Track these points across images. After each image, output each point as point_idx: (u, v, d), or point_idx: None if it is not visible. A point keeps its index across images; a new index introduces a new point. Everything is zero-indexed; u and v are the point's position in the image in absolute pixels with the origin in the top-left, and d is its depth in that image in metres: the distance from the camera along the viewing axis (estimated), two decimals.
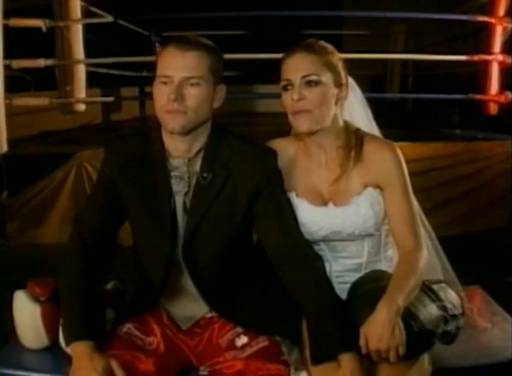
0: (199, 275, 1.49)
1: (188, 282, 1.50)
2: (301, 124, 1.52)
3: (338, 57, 1.56)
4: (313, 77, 1.50)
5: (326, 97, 1.51)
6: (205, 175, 1.46)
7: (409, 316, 1.36)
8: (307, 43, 1.54)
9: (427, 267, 1.55)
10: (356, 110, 1.68)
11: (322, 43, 1.56)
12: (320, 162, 1.58)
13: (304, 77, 1.50)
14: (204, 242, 1.48)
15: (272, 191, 1.50)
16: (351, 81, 1.64)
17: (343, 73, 1.56)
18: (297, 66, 1.51)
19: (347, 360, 1.34)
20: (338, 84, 1.54)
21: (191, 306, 1.54)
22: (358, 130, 1.59)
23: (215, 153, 1.48)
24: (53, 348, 1.60)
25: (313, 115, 1.51)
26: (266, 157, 1.52)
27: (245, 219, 1.50)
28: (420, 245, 1.51)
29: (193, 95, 1.42)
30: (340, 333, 1.37)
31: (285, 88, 1.52)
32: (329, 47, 1.56)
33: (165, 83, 1.42)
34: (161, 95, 1.43)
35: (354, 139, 1.56)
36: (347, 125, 1.59)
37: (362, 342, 1.34)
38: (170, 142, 1.48)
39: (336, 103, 1.55)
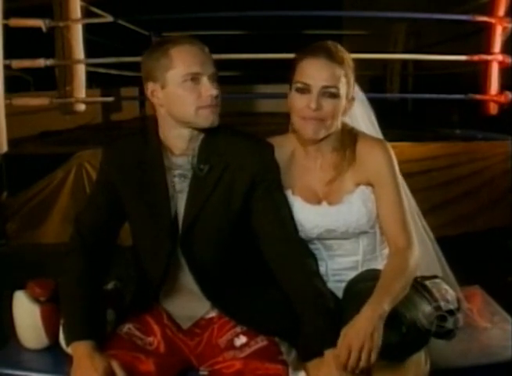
0: (198, 270, 1.49)
1: (188, 280, 1.51)
2: (309, 131, 1.52)
3: (353, 69, 1.55)
4: (333, 90, 1.49)
5: (339, 110, 1.52)
6: (202, 166, 1.47)
7: (398, 318, 1.35)
8: (329, 48, 1.51)
9: (425, 267, 1.55)
10: (357, 113, 1.68)
11: (343, 51, 1.54)
12: (316, 163, 1.59)
13: (325, 87, 1.49)
14: (202, 235, 1.48)
15: (268, 185, 1.50)
16: None
17: (353, 85, 1.56)
18: (319, 74, 1.49)
19: (332, 355, 1.33)
20: (349, 97, 1.54)
21: (191, 305, 1.54)
22: (352, 129, 1.60)
23: (212, 145, 1.49)
24: (53, 348, 1.61)
25: (324, 125, 1.51)
26: (263, 149, 1.53)
27: (242, 212, 1.50)
28: (411, 243, 1.50)
29: (218, 88, 1.46)
30: (328, 329, 1.36)
31: (300, 90, 1.51)
32: (348, 57, 1.54)
33: (192, 80, 1.43)
34: (192, 92, 1.44)
35: (348, 139, 1.57)
36: (343, 126, 1.59)
37: (340, 342, 1.32)
38: (176, 140, 1.49)
39: (343, 114, 1.56)
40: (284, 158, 1.58)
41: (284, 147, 1.60)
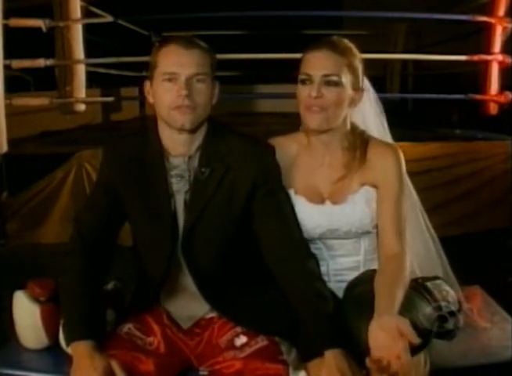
0: (198, 272, 1.49)
1: (188, 281, 1.51)
2: (313, 121, 1.53)
3: (360, 60, 1.56)
4: (334, 78, 1.50)
5: (342, 98, 1.52)
6: (203, 170, 1.47)
7: None
8: (333, 41, 1.54)
9: (427, 267, 1.55)
10: (368, 111, 1.68)
11: (348, 43, 1.56)
12: (324, 161, 1.59)
13: (326, 76, 1.50)
14: (203, 238, 1.48)
15: (270, 187, 1.50)
16: (365, 81, 1.64)
17: (361, 76, 1.57)
18: (319, 63, 1.51)
19: (333, 356, 1.33)
20: (355, 88, 1.55)
21: (191, 306, 1.54)
22: (363, 132, 1.60)
23: (213, 148, 1.49)
24: (53, 348, 1.60)
25: (327, 114, 1.52)
26: (264, 151, 1.53)
27: (244, 215, 1.50)
28: (404, 250, 1.50)
29: (201, 91, 1.44)
30: (328, 329, 1.36)
31: (303, 81, 1.53)
32: (354, 48, 1.56)
33: (170, 80, 1.43)
34: (167, 92, 1.44)
35: (359, 141, 1.57)
36: (353, 127, 1.60)
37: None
38: (169, 141, 1.49)
39: (349, 106, 1.55)
40: (288, 158, 1.59)
41: (288, 147, 1.61)
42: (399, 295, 1.37)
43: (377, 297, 1.37)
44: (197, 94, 1.44)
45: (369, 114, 1.68)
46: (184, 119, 1.43)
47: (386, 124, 1.72)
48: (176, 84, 1.43)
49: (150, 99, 1.51)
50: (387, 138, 1.69)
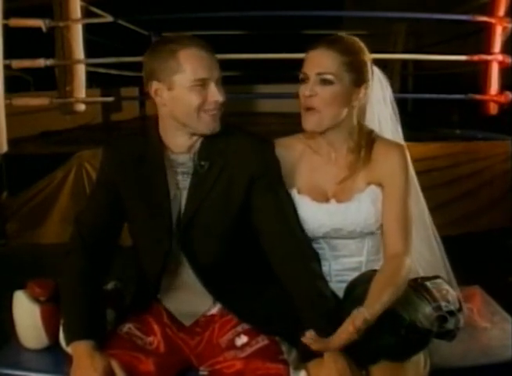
0: (199, 265, 1.50)
1: (189, 276, 1.51)
2: (307, 122, 1.53)
3: (365, 56, 1.54)
4: (328, 76, 1.49)
5: (339, 97, 1.50)
6: (202, 163, 1.48)
7: (397, 320, 1.34)
8: (332, 38, 1.53)
9: (430, 268, 1.55)
10: (383, 111, 1.66)
11: (350, 40, 1.54)
12: (330, 159, 1.58)
13: (320, 74, 1.49)
14: (202, 231, 1.48)
15: (269, 181, 1.50)
16: (382, 78, 1.63)
17: (368, 73, 1.54)
18: (315, 62, 1.50)
19: (332, 357, 1.33)
20: (357, 85, 1.52)
21: (193, 302, 1.54)
22: (371, 131, 1.59)
23: (213, 142, 1.50)
24: (53, 348, 1.60)
25: (321, 115, 1.51)
26: (263, 147, 1.53)
27: (242, 210, 1.50)
28: (407, 250, 1.49)
29: (222, 92, 1.46)
30: (329, 330, 1.36)
31: (302, 80, 1.52)
32: (357, 45, 1.54)
33: (200, 85, 1.43)
34: (197, 96, 1.43)
35: (365, 141, 1.56)
36: (361, 126, 1.58)
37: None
38: (174, 139, 1.49)
39: (351, 103, 1.53)
40: (292, 158, 1.59)
41: (292, 148, 1.60)
42: (386, 297, 1.36)
43: (368, 295, 1.38)
44: (222, 96, 1.46)
45: (384, 114, 1.66)
46: (215, 124, 1.46)
47: (399, 125, 1.69)
48: (208, 89, 1.44)
49: (159, 101, 1.47)
50: (399, 138, 1.67)
